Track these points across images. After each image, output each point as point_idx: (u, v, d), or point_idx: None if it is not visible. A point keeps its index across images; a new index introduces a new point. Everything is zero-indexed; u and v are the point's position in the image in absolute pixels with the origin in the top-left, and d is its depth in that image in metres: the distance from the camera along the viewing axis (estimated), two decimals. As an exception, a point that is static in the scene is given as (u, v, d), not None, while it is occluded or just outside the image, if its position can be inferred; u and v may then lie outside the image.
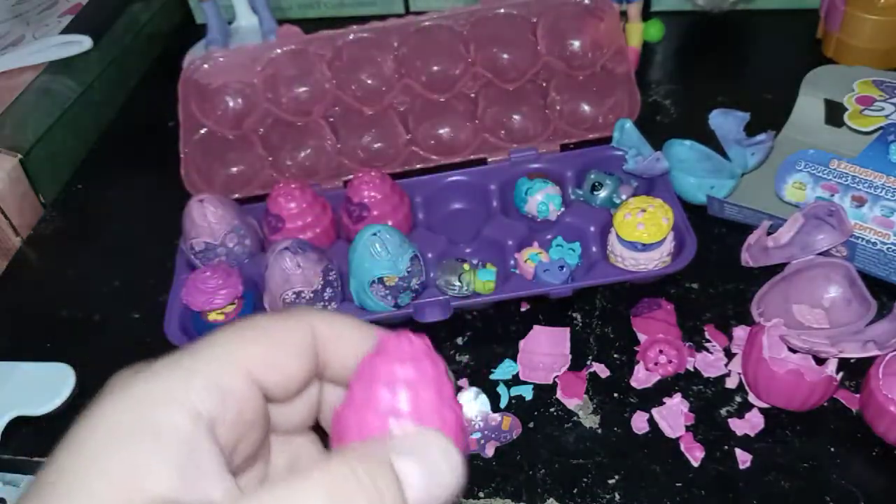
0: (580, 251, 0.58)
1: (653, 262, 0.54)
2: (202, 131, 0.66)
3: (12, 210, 0.69)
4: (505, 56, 0.68)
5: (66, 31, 0.79)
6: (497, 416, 0.51)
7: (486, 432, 0.50)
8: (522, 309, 0.57)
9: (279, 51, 0.65)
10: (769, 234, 0.56)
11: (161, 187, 0.69)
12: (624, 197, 0.60)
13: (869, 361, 0.47)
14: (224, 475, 0.20)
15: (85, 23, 0.81)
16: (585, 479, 0.47)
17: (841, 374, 0.46)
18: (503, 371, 0.53)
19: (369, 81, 0.68)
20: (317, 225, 0.60)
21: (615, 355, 0.53)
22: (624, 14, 0.72)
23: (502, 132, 0.68)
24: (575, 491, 0.46)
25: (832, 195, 0.56)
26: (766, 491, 0.45)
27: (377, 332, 0.25)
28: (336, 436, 0.23)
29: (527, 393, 0.52)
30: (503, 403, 0.51)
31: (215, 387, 0.21)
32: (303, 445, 0.26)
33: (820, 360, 0.48)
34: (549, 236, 0.59)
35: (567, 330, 0.55)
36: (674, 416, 0.49)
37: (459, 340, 0.56)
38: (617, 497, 0.46)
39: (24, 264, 0.69)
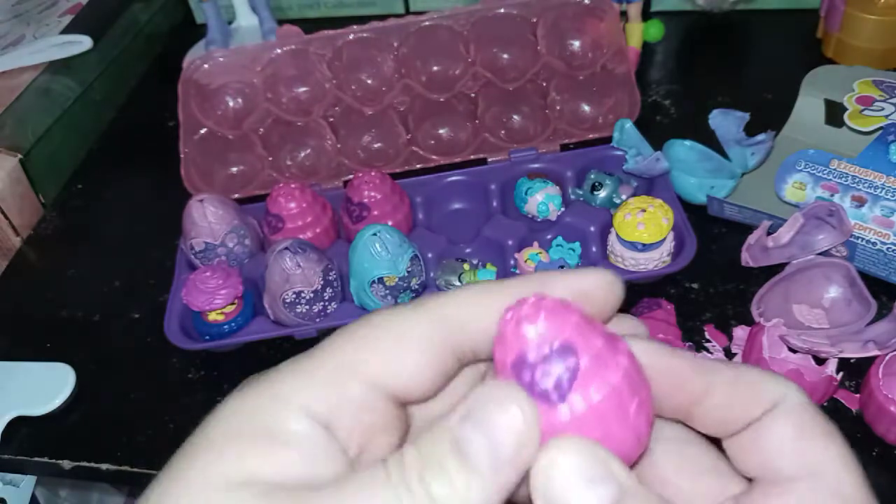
0: (580, 251, 0.58)
1: (653, 262, 0.54)
2: (202, 131, 0.66)
3: (12, 210, 0.69)
4: (505, 56, 0.68)
5: (66, 31, 0.79)
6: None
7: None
8: (522, 309, 0.57)
9: (279, 51, 0.65)
10: (769, 234, 0.56)
11: (161, 187, 0.69)
12: (624, 197, 0.60)
13: (869, 361, 0.47)
14: (340, 469, 0.20)
15: (85, 23, 0.81)
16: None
17: (841, 374, 0.46)
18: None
19: (369, 81, 0.68)
20: (317, 225, 0.60)
21: (615, 355, 0.53)
22: (624, 14, 0.72)
23: (502, 132, 0.68)
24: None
25: (832, 195, 0.56)
26: (766, 491, 0.45)
27: (511, 288, 0.22)
28: None
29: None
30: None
31: (333, 392, 0.20)
32: None
33: (820, 360, 0.48)
34: (549, 236, 0.59)
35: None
36: (674, 416, 0.49)
37: (459, 340, 0.56)
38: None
39: (24, 264, 0.69)
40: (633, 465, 0.21)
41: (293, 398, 0.20)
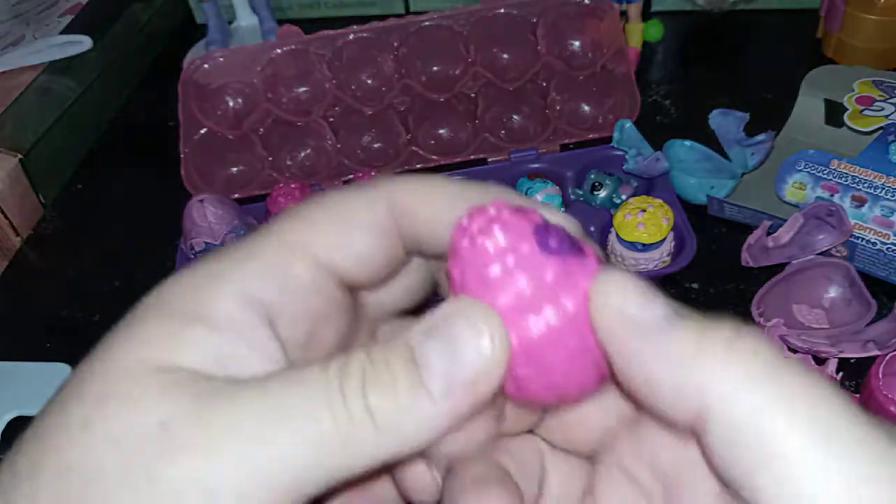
0: (580, 251, 0.58)
1: (653, 262, 0.54)
2: (202, 131, 0.66)
3: (12, 210, 0.69)
4: (505, 56, 0.68)
5: (66, 31, 0.79)
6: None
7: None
8: (522, 309, 0.57)
9: (279, 51, 0.65)
10: (769, 234, 0.56)
11: (161, 187, 0.69)
12: (624, 197, 0.60)
13: (869, 361, 0.47)
14: (269, 365, 0.18)
15: (85, 23, 0.81)
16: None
17: (841, 374, 0.46)
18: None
19: (369, 81, 0.68)
20: (317, 225, 0.60)
21: (615, 355, 0.53)
22: (624, 14, 0.72)
23: (502, 132, 0.68)
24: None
25: (832, 195, 0.56)
26: (766, 491, 0.45)
27: (469, 191, 0.20)
28: None
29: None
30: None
31: (273, 273, 0.19)
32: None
33: (820, 360, 0.48)
34: (549, 236, 0.59)
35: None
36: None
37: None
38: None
39: (24, 264, 0.69)
40: (591, 390, 0.19)
41: (228, 278, 0.18)
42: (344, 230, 0.20)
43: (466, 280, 0.18)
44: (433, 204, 0.20)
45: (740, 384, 0.16)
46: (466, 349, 0.17)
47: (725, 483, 0.16)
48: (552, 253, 0.18)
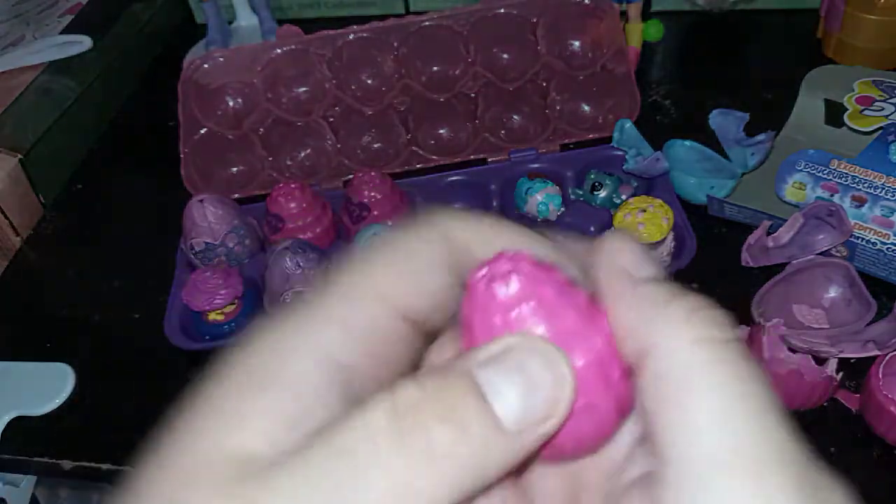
0: (580, 251, 0.58)
1: (653, 262, 0.54)
2: (202, 131, 0.66)
3: (12, 210, 0.69)
4: (505, 56, 0.68)
5: (66, 31, 0.79)
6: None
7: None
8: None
9: (279, 51, 0.65)
10: (769, 234, 0.56)
11: (161, 187, 0.69)
12: (624, 197, 0.60)
13: (869, 361, 0.47)
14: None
15: (85, 23, 0.81)
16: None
17: (841, 374, 0.46)
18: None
19: (369, 81, 0.68)
20: (317, 225, 0.60)
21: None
22: (624, 14, 0.72)
23: (502, 132, 0.68)
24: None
25: (832, 195, 0.56)
26: (766, 491, 0.45)
27: (510, 234, 0.20)
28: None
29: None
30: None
31: (348, 325, 0.18)
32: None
33: (820, 360, 0.48)
34: (549, 236, 0.59)
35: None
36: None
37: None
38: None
39: (24, 264, 0.69)
40: (611, 434, 0.19)
41: (309, 340, 0.18)
42: (417, 275, 0.19)
43: (474, 322, 0.18)
44: (488, 243, 0.20)
45: (682, 338, 0.17)
46: (541, 380, 0.17)
47: (645, 427, 0.18)
48: (564, 308, 0.18)
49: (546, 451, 0.19)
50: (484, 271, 0.18)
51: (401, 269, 0.19)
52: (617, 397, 0.18)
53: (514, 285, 0.18)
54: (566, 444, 0.19)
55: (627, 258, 0.19)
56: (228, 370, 0.18)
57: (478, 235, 0.20)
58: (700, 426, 0.16)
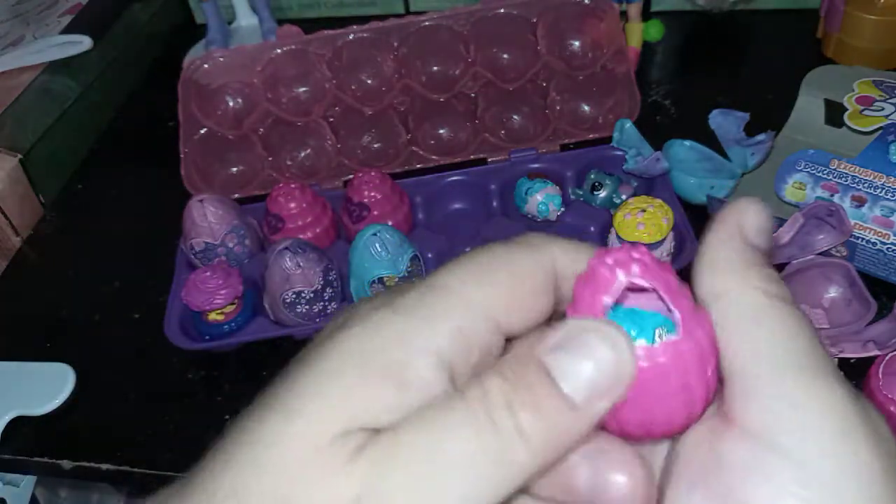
0: (580, 251, 0.58)
1: (653, 262, 0.54)
2: (202, 131, 0.66)
3: (12, 210, 0.69)
4: (505, 56, 0.68)
5: (66, 31, 0.79)
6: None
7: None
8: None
9: (279, 51, 0.65)
10: (769, 234, 0.56)
11: (161, 187, 0.69)
12: (624, 197, 0.60)
13: (869, 361, 0.47)
14: None
15: (85, 23, 0.81)
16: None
17: (841, 374, 0.46)
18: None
19: (369, 81, 0.68)
20: (317, 225, 0.60)
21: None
22: (624, 14, 0.72)
23: (502, 132, 0.68)
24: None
25: (832, 195, 0.56)
26: (766, 491, 0.45)
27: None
28: None
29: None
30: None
31: (461, 334, 0.20)
32: None
33: (820, 360, 0.48)
34: (549, 236, 0.59)
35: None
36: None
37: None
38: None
39: (24, 264, 0.69)
40: (696, 419, 0.21)
41: (422, 339, 0.20)
42: (519, 292, 0.21)
43: (597, 300, 0.20)
44: (580, 266, 0.22)
45: (756, 291, 0.21)
46: (600, 358, 0.19)
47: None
48: (679, 297, 0.20)
49: (639, 427, 0.20)
50: (609, 258, 0.20)
51: (513, 293, 0.21)
52: (708, 386, 0.20)
53: (636, 270, 0.20)
54: (659, 421, 0.20)
55: (750, 222, 0.22)
56: (339, 352, 0.19)
57: (580, 264, 0.22)
58: (762, 347, 0.20)
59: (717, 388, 0.21)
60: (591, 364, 0.19)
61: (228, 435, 0.19)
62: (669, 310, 0.20)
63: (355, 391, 0.19)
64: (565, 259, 0.22)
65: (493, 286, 0.21)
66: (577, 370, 0.19)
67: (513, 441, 0.18)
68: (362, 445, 0.18)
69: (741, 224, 0.22)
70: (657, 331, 0.21)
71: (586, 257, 0.22)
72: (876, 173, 0.55)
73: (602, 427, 0.21)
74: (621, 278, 0.20)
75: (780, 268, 0.54)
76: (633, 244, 0.21)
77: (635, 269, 0.20)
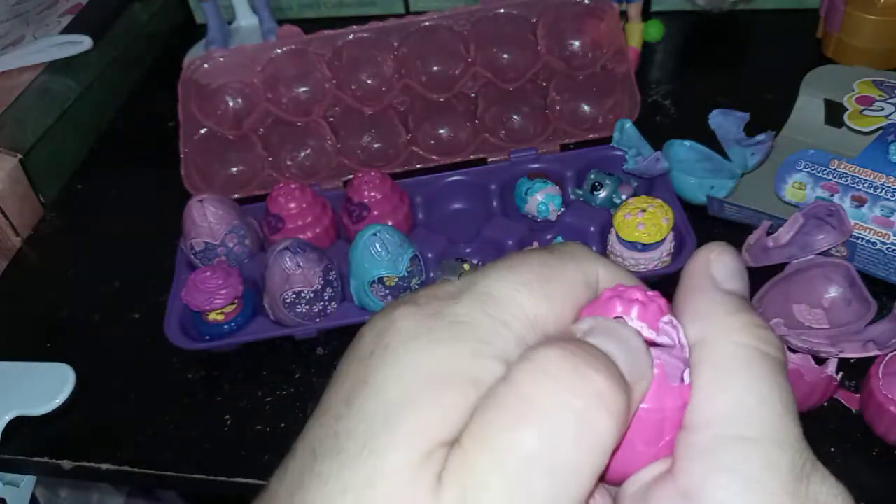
0: (580, 251, 0.58)
1: (653, 262, 0.54)
2: (202, 131, 0.66)
3: (12, 210, 0.69)
4: (505, 56, 0.68)
5: (66, 31, 0.79)
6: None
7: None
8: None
9: (279, 51, 0.65)
10: (769, 234, 0.56)
11: (161, 187, 0.69)
12: (624, 197, 0.60)
13: (869, 361, 0.47)
14: None
15: (85, 23, 0.81)
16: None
17: (841, 374, 0.46)
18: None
19: (369, 81, 0.68)
20: (317, 225, 0.60)
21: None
22: (624, 14, 0.72)
23: (502, 132, 0.68)
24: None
25: (832, 195, 0.56)
26: (766, 491, 0.45)
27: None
28: None
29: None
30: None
31: (523, 345, 0.20)
32: None
33: (820, 360, 0.48)
34: (549, 236, 0.59)
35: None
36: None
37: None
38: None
39: (24, 264, 0.69)
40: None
41: (491, 346, 0.19)
42: (562, 304, 0.21)
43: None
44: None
45: (735, 341, 0.20)
46: (633, 345, 0.19)
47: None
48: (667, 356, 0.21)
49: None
50: (618, 293, 0.21)
51: (563, 309, 0.21)
52: (656, 455, 0.21)
53: (634, 314, 0.21)
54: (611, 473, 0.21)
55: (720, 269, 0.22)
56: (406, 365, 0.19)
57: (613, 276, 0.22)
58: (727, 405, 0.19)
59: (667, 454, 0.21)
60: (626, 348, 0.19)
61: (305, 473, 0.18)
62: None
63: (434, 410, 0.18)
64: (605, 275, 0.22)
65: (547, 299, 0.20)
66: (616, 352, 0.19)
67: (595, 405, 0.18)
68: (446, 463, 0.17)
69: (711, 275, 0.22)
70: None
71: (623, 279, 0.22)
72: (876, 173, 0.55)
73: None
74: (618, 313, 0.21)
75: (780, 268, 0.54)
76: (653, 293, 0.21)
77: (634, 314, 0.21)
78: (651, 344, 0.20)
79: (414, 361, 0.19)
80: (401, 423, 0.18)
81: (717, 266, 0.22)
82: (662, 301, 0.21)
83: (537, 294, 0.20)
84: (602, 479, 0.21)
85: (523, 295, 0.20)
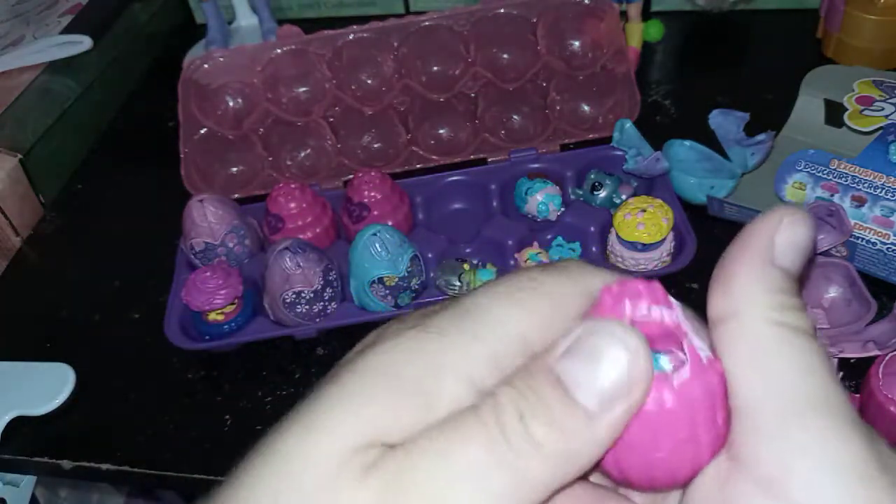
0: (580, 251, 0.58)
1: (653, 262, 0.54)
2: (202, 131, 0.66)
3: (12, 210, 0.69)
4: (505, 56, 0.68)
5: (66, 31, 0.79)
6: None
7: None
8: (522, 309, 0.57)
9: (279, 51, 0.65)
10: (769, 234, 0.56)
11: (161, 187, 0.69)
12: (624, 197, 0.60)
13: (869, 361, 0.47)
14: None
15: (85, 23, 0.81)
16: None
17: (841, 374, 0.46)
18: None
19: (369, 81, 0.68)
20: (317, 225, 0.60)
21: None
22: (624, 14, 0.72)
23: (502, 132, 0.68)
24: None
25: (832, 195, 0.56)
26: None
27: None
28: None
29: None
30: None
31: (494, 359, 0.19)
32: None
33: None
34: (549, 236, 0.59)
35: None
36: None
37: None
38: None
39: (24, 264, 0.69)
40: (701, 470, 0.20)
41: (455, 362, 0.19)
42: (552, 319, 0.20)
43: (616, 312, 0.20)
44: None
45: (772, 318, 0.20)
46: (612, 360, 0.18)
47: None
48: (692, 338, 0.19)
49: (641, 475, 0.20)
50: (618, 288, 0.20)
51: (552, 319, 0.20)
52: (718, 435, 0.19)
53: (643, 304, 0.20)
54: (663, 468, 0.19)
55: (783, 237, 0.20)
56: (366, 370, 0.19)
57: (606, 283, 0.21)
58: (773, 384, 0.19)
59: (727, 434, 0.20)
60: (604, 367, 0.18)
61: (255, 448, 0.19)
62: (683, 351, 0.19)
63: (379, 409, 0.18)
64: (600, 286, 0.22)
65: (530, 312, 0.20)
66: (590, 376, 0.18)
67: (526, 453, 0.17)
68: (376, 461, 0.18)
69: (772, 239, 0.20)
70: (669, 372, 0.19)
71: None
72: (876, 173, 0.55)
73: (606, 475, 0.21)
74: (626, 312, 0.20)
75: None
76: (650, 281, 0.20)
77: (643, 304, 0.20)
78: (663, 332, 0.20)
79: (375, 364, 0.19)
80: (345, 408, 0.18)
81: (780, 233, 0.20)
82: (656, 284, 0.20)
83: (519, 307, 0.20)
84: (678, 483, 0.20)
85: (503, 308, 0.20)
